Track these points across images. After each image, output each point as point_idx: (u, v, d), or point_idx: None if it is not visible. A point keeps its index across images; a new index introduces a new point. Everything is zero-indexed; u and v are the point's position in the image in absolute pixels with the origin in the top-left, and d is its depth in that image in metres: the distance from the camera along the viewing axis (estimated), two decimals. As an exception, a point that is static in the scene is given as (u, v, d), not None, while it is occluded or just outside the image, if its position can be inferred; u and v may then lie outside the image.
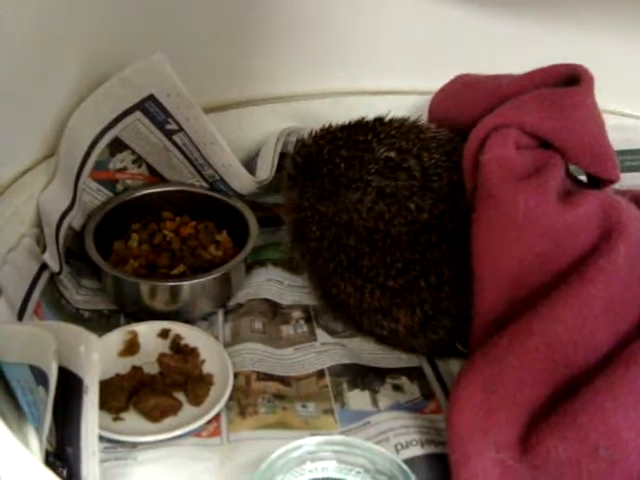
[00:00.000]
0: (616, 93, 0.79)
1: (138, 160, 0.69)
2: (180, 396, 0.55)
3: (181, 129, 0.66)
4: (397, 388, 0.58)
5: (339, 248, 0.59)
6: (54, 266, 0.61)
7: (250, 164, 0.72)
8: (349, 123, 0.63)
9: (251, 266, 0.69)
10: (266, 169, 0.69)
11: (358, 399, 0.56)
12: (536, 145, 0.56)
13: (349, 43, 0.78)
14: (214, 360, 0.58)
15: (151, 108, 0.65)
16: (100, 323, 0.63)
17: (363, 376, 0.59)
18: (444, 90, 0.69)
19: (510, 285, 0.52)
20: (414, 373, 0.59)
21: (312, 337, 0.62)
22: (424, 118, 0.66)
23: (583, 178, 0.60)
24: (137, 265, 0.64)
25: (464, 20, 0.77)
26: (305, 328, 0.63)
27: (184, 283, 0.62)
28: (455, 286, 0.56)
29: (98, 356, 0.43)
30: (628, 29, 0.77)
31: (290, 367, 0.59)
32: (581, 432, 0.46)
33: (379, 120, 0.62)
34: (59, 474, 0.43)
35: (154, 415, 0.53)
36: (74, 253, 0.66)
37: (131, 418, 0.54)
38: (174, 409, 0.54)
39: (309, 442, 0.48)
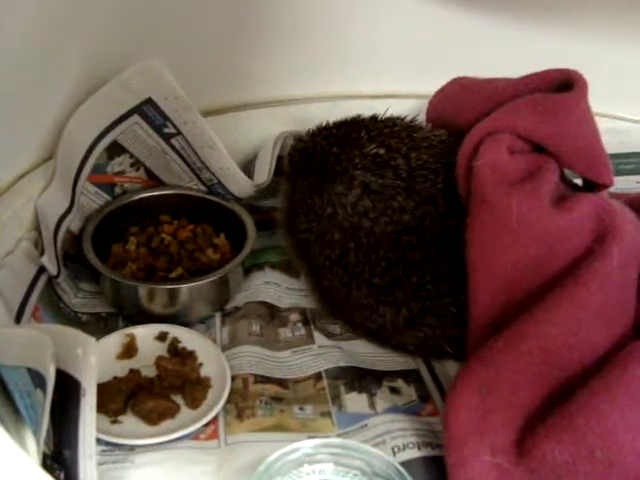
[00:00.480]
0: (610, 96, 0.79)
1: (136, 164, 0.69)
2: (178, 399, 0.55)
3: (179, 133, 0.66)
4: (394, 391, 0.58)
5: (325, 242, 0.60)
6: (52, 269, 0.61)
7: (248, 168, 0.73)
8: (345, 120, 0.63)
9: (249, 270, 0.69)
10: (264, 173, 0.69)
11: (355, 402, 0.56)
12: (530, 150, 0.57)
13: (347, 47, 0.78)
14: (212, 363, 0.58)
15: (149, 112, 0.65)
16: (98, 326, 0.63)
17: (360, 379, 0.59)
18: (441, 92, 0.69)
19: (505, 289, 0.52)
20: (411, 376, 0.59)
21: (310, 340, 0.62)
22: (422, 119, 0.66)
23: (579, 181, 0.60)
24: (135, 268, 0.65)
25: (462, 23, 0.78)
26: (303, 331, 0.64)
27: (182, 286, 0.62)
28: (436, 287, 0.57)
29: (96, 359, 0.43)
30: (622, 33, 0.77)
31: (288, 370, 0.59)
32: (577, 435, 0.46)
33: (374, 118, 0.63)
34: (56, 477, 0.43)
35: (152, 418, 0.53)
36: (72, 256, 0.66)
37: (129, 421, 0.54)
38: (172, 412, 0.54)
39: (306, 445, 0.48)
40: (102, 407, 0.53)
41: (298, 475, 0.48)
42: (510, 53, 0.77)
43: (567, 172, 0.59)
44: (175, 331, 0.60)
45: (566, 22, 0.77)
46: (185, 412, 0.54)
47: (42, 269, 0.62)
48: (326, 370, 0.59)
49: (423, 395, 0.57)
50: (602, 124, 0.81)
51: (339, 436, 0.53)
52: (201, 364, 0.58)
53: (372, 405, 0.56)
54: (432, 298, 0.57)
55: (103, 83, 0.64)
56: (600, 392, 0.47)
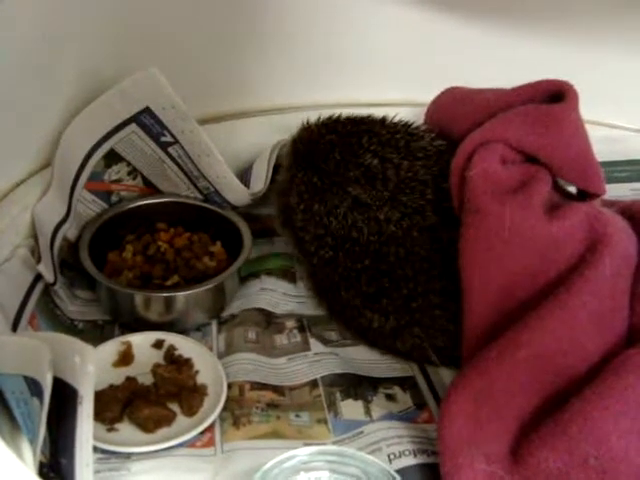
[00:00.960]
0: (606, 105, 0.80)
1: (133, 172, 0.70)
2: (174, 407, 0.55)
3: (176, 141, 0.66)
4: (390, 398, 0.58)
5: (319, 244, 0.61)
6: (49, 277, 0.61)
7: (244, 176, 0.73)
8: (355, 118, 0.64)
9: (245, 278, 0.69)
10: (260, 181, 0.70)
11: (351, 409, 0.57)
12: (522, 160, 0.57)
13: (343, 55, 0.79)
14: (208, 371, 0.58)
15: (147, 120, 0.65)
16: (94, 334, 0.63)
17: (356, 385, 0.59)
18: (436, 102, 0.70)
19: (498, 297, 0.53)
20: (407, 383, 0.60)
21: (305, 347, 0.63)
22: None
23: (573, 189, 0.61)
24: (131, 276, 0.65)
25: (458, 32, 0.78)
26: (299, 338, 0.64)
27: (178, 294, 0.62)
28: (427, 300, 0.57)
29: (94, 367, 0.43)
30: (617, 40, 0.78)
31: (284, 377, 0.60)
32: (571, 442, 0.46)
33: (382, 121, 0.63)
34: (53, 485, 0.43)
35: (148, 426, 0.53)
36: (68, 264, 0.67)
37: (125, 429, 0.54)
38: (168, 420, 0.54)
39: (302, 452, 0.49)
40: (98, 415, 0.53)
41: (294, 482, 0.49)
42: (505, 61, 0.78)
43: (561, 180, 0.60)
44: (171, 339, 0.61)
45: (560, 29, 0.78)
46: (181, 420, 0.55)
47: (39, 277, 0.62)
48: (322, 377, 0.59)
49: (419, 402, 0.58)
50: (597, 132, 0.81)
51: (335, 443, 0.54)
52: (197, 372, 0.58)
53: (368, 412, 0.56)
54: (422, 310, 0.57)
55: (101, 92, 0.65)
56: (593, 400, 0.47)
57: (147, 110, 0.65)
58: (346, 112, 0.79)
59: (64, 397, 0.44)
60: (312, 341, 0.63)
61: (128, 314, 0.63)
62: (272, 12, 0.75)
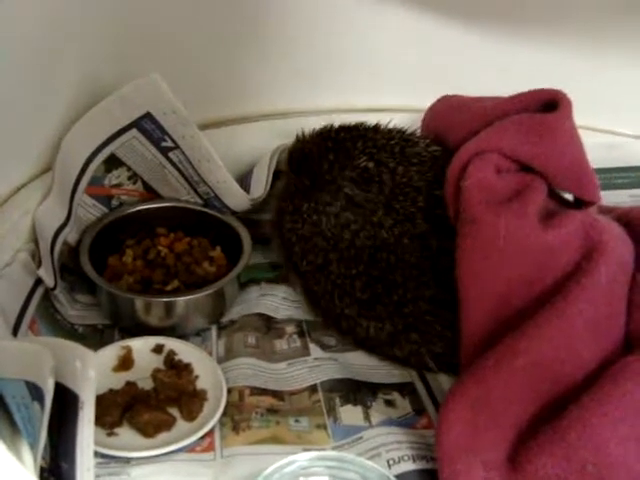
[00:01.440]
0: (605, 111, 0.81)
1: (133, 176, 0.70)
2: (174, 411, 0.55)
3: (177, 146, 0.67)
4: (389, 403, 0.58)
5: (308, 248, 0.61)
6: (49, 281, 0.61)
7: (244, 181, 0.73)
8: (348, 126, 0.65)
9: (245, 284, 0.69)
10: (260, 186, 0.70)
11: (351, 414, 0.57)
12: (517, 169, 0.58)
13: (343, 61, 0.79)
14: (208, 376, 0.58)
15: (147, 126, 0.65)
16: (94, 338, 0.63)
17: (355, 391, 0.59)
18: (432, 110, 0.71)
19: (495, 306, 0.53)
20: (406, 388, 0.60)
21: (305, 352, 0.63)
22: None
23: (569, 196, 0.61)
24: (132, 281, 0.65)
25: (456, 38, 0.79)
26: (298, 343, 0.64)
27: (178, 299, 0.62)
28: (416, 307, 0.58)
29: (94, 372, 0.43)
30: (617, 48, 0.78)
31: (283, 382, 0.60)
32: (569, 449, 0.46)
33: (376, 128, 0.64)
34: (54, 490, 0.44)
35: (148, 430, 0.53)
36: (69, 268, 0.67)
37: (125, 433, 0.54)
38: (168, 424, 0.54)
39: (302, 457, 0.49)
40: (98, 419, 0.53)
41: (294, 488, 0.49)
42: (504, 67, 0.78)
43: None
44: (171, 344, 0.61)
45: (560, 36, 0.78)
46: (181, 425, 0.55)
47: (39, 281, 0.62)
48: (321, 382, 0.60)
49: (418, 408, 0.58)
50: (596, 138, 0.82)
51: (334, 448, 0.54)
52: (197, 377, 0.58)
53: (367, 418, 0.57)
54: (415, 316, 0.58)
55: (101, 97, 0.65)
56: (592, 407, 0.48)
57: (148, 115, 0.65)
58: (346, 117, 0.80)
59: (65, 402, 0.44)
60: (312, 346, 0.64)
61: (128, 319, 0.63)
62: (273, 17, 0.75)
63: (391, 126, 0.65)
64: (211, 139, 0.68)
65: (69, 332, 0.63)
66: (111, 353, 0.60)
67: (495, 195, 0.55)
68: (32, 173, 0.65)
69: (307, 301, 0.65)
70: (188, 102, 0.65)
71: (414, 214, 0.59)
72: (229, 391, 0.57)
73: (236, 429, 0.55)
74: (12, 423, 0.49)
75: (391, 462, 0.52)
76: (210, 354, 0.61)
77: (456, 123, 0.64)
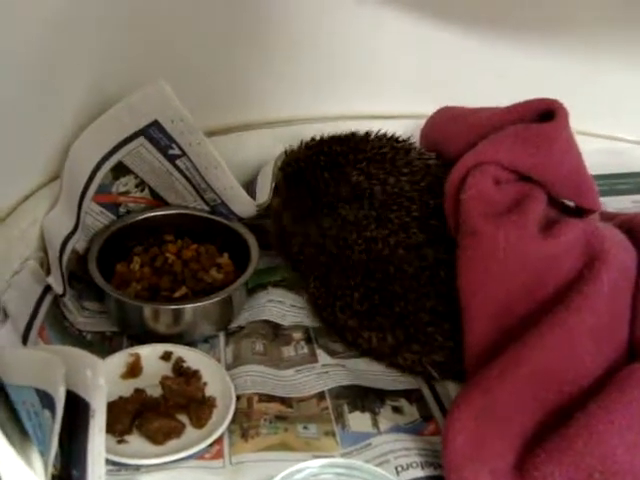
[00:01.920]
0: (606, 117, 0.81)
1: (141, 184, 0.70)
2: (183, 419, 0.56)
3: (184, 154, 0.67)
4: (397, 410, 0.58)
5: (314, 264, 0.62)
6: (58, 289, 0.61)
7: (249, 187, 0.73)
8: (339, 136, 0.65)
9: (252, 289, 0.70)
10: (265, 193, 0.70)
11: (359, 421, 0.57)
12: (516, 179, 0.58)
13: (346, 68, 0.80)
14: (216, 383, 0.58)
15: (155, 134, 0.66)
16: (103, 345, 0.64)
17: (363, 398, 0.59)
18: (430, 122, 0.71)
19: (497, 316, 0.53)
20: (413, 395, 0.60)
21: (313, 358, 0.63)
22: (415, 139, 0.68)
23: (571, 203, 0.61)
24: (139, 288, 0.65)
25: (456, 44, 0.79)
26: (306, 349, 0.64)
27: (186, 306, 0.62)
28: (417, 318, 0.58)
29: (105, 380, 0.43)
30: (620, 54, 0.79)
31: (291, 388, 0.60)
32: (577, 457, 0.47)
33: (365, 138, 0.64)
34: (65, 497, 0.44)
35: (157, 438, 0.54)
36: (77, 275, 0.67)
37: (135, 441, 0.54)
38: (177, 432, 0.54)
39: (312, 465, 0.49)
40: (108, 427, 0.52)
41: (303, 495, 0.49)
42: (504, 73, 0.79)
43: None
44: (179, 351, 0.61)
45: (560, 42, 0.79)
46: (190, 432, 0.55)
47: (48, 288, 0.62)
48: (329, 389, 0.60)
49: (425, 414, 0.58)
50: (598, 144, 0.83)
51: (343, 455, 0.54)
52: (205, 383, 0.58)
53: (375, 424, 0.57)
54: (416, 327, 0.58)
55: (109, 105, 0.65)
56: (598, 414, 0.48)
57: (155, 123, 0.65)
58: (351, 124, 0.80)
59: (76, 410, 0.44)
60: (319, 352, 0.64)
61: (136, 326, 0.63)
62: (276, 25, 0.75)
63: (383, 134, 0.65)
64: (216, 146, 0.68)
65: (77, 339, 0.64)
66: (119, 360, 0.60)
67: (494, 207, 0.55)
68: (40, 181, 0.65)
69: (314, 312, 0.66)
70: (193, 109, 0.66)
71: (408, 224, 0.59)
72: (237, 398, 0.57)
73: (245, 436, 0.55)
74: (22, 430, 0.49)
75: (399, 469, 0.52)
76: (218, 361, 0.61)
77: (453, 135, 0.65)
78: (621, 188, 0.83)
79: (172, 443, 0.54)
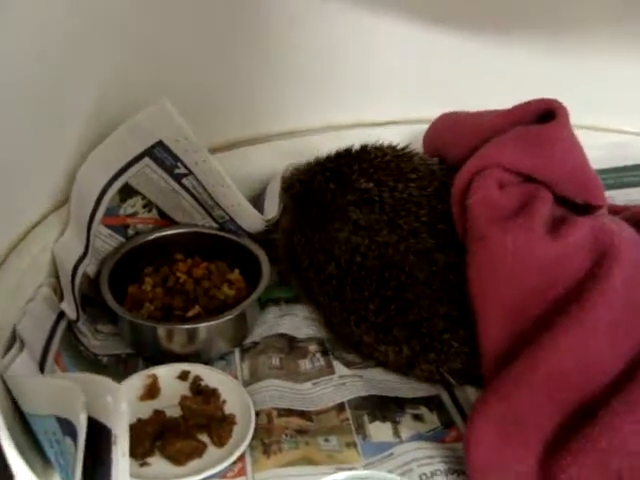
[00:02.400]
0: (613, 111, 0.81)
1: (148, 205, 0.70)
2: (204, 438, 0.56)
3: (190, 173, 0.67)
4: (417, 418, 0.58)
5: (324, 278, 0.61)
6: (71, 314, 0.61)
7: (257, 202, 0.73)
8: (338, 152, 0.66)
9: (264, 304, 0.70)
10: (273, 207, 0.70)
11: (380, 431, 0.57)
12: (520, 181, 0.58)
13: (348, 78, 0.80)
14: (235, 400, 0.58)
15: (160, 154, 0.66)
16: (118, 368, 0.64)
17: (383, 407, 0.59)
18: (432, 128, 0.71)
19: (510, 320, 0.53)
20: (432, 402, 0.60)
21: (330, 370, 0.63)
22: (415, 146, 0.68)
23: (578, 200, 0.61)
24: (152, 308, 0.65)
25: (456, 48, 0.79)
26: (322, 362, 0.64)
27: (201, 325, 0.62)
28: (432, 325, 0.58)
29: (126, 406, 0.43)
30: (625, 47, 0.79)
31: (310, 402, 0.60)
32: (602, 457, 0.47)
33: (364, 149, 0.64)
34: (91, 525, 0.44)
35: (180, 458, 0.53)
36: (89, 299, 0.67)
37: (157, 463, 0.54)
38: (199, 452, 0.54)
39: (337, 478, 0.49)
40: (129, 450, 0.53)
41: (331, 508, 0.49)
42: (508, 74, 0.79)
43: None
44: (196, 369, 0.61)
45: (566, 37, 0.79)
46: (212, 451, 0.55)
47: (62, 314, 0.62)
48: (348, 400, 0.60)
49: (446, 421, 0.58)
50: (605, 138, 0.83)
51: (366, 466, 0.54)
52: (224, 401, 0.58)
53: (397, 433, 0.57)
54: (431, 335, 0.58)
55: (113, 127, 0.65)
56: (622, 412, 0.48)
57: (160, 143, 0.65)
58: (354, 132, 0.81)
59: (98, 436, 0.44)
60: (335, 364, 0.64)
61: (151, 347, 0.63)
62: (277, 39, 0.76)
63: (380, 144, 0.66)
64: (220, 162, 0.69)
65: (93, 363, 0.64)
66: (137, 382, 0.60)
67: (500, 211, 0.55)
68: (49, 207, 0.65)
69: (327, 330, 0.66)
70: (196, 127, 0.66)
71: (418, 229, 0.59)
72: (257, 414, 0.57)
73: (267, 452, 0.55)
74: (44, 458, 0.49)
75: (423, 477, 0.52)
76: (235, 377, 0.61)
77: (456, 140, 0.65)
78: (628, 181, 0.83)
79: (194, 463, 0.54)
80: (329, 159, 0.66)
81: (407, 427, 0.57)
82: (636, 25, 0.77)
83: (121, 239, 0.70)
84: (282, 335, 0.66)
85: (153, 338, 0.63)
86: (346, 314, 0.60)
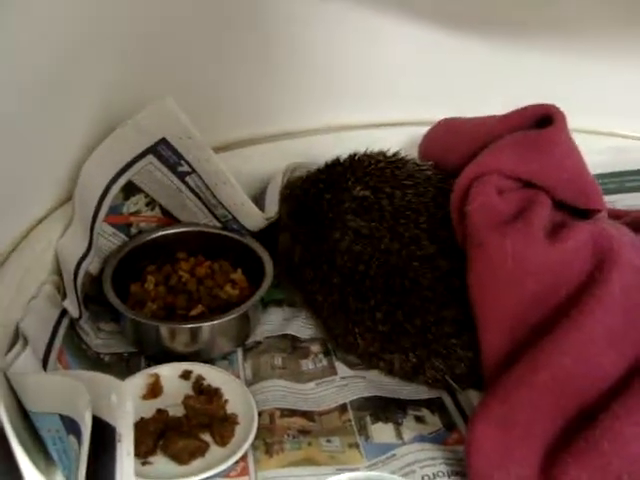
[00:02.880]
0: (616, 115, 0.81)
1: (151, 203, 0.70)
2: (206, 437, 0.56)
3: (193, 171, 0.67)
4: (419, 419, 0.58)
5: (327, 289, 0.61)
6: (74, 312, 0.61)
7: (259, 202, 0.73)
8: (326, 164, 0.65)
9: (267, 304, 0.70)
10: (274, 205, 0.70)
11: (382, 432, 0.57)
12: (519, 186, 0.58)
13: (349, 79, 0.80)
14: (237, 400, 0.58)
15: (163, 151, 0.66)
16: (120, 366, 0.64)
17: (385, 408, 0.59)
18: (428, 135, 0.71)
19: (511, 325, 0.53)
20: (434, 404, 0.60)
21: (332, 371, 0.63)
22: (406, 152, 0.67)
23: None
24: (155, 307, 0.65)
25: (458, 49, 0.79)
26: (325, 362, 0.64)
27: (203, 325, 0.62)
28: (441, 330, 0.57)
29: (131, 405, 0.43)
30: (627, 51, 0.79)
31: (312, 402, 0.60)
32: (603, 460, 0.47)
33: (353, 157, 0.64)
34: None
35: (182, 457, 0.53)
36: (91, 297, 0.67)
37: (159, 462, 0.54)
38: (201, 451, 0.54)
39: (340, 479, 0.49)
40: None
41: (333, 510, 0.49)
42: (509, 77, 0.79)
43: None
44: (199, 369, 0.61)
45: (568, 41, 0.79)
46: (214, 450, 0.55)
47: (64, 312, 0.62)
48: (351, 401, 0.60)
49: (448, 423, 0.58)
50: (607, 143, 0.83)
51: (368, 467, 0.54)
52: (227, 401, 0.58)
53: (399, 435, 0.57)
54: (437, 340, 0.57)
55: (115, 124, 0.65)
56: (623, 416, 0.48)
57: (164, 141, 0.65)
58: (354, 134, 0.81)
59: (102, 435, 0.44)
60: (338, 364, 0.64)
61: (153, 346, 0.63)
62: (278, 40, 0.76)
63: (370, 151, 0.65)
64: (225, 161, 0.68)
65: (95, 361, 0.64)
66: (139, 381, 0.60)
67: (499, 216, 0.55)
68: (52, 205, 0.65)
69: (332, 344, 0.65)
70: (197, 126, 0.66)
71: (419, 236, 0.59)
72: (259, 414, 0.57)
73: (269, 452, 0.55)
74: (47, 456, 0.49)
75: (426, 479, 0.52)
76: (238, 377, 0.61)
77: (453, 147, 0.65)
78: (630, 185, 0.83)
79: (197, 462, 0.54)
80: (320, 171, 0.65)
81: (409, 428, 0.57)
82: (638, 29, 0.77)
83: (124, 237, 0.70)
84: (285, 335, 0.66)
85: (156, 337, 0.63)
86: (351, 325, 0.60)
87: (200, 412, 0.56)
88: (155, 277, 0.68)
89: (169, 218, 0.72)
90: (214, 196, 0.69)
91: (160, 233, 0.71)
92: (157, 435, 0.55)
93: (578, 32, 0.79)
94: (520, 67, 0.79)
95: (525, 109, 0.62)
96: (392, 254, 0.58)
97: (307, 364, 0.64)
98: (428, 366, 0.58)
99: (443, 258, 0.58)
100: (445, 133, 0.69)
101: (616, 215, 0.66)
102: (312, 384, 0.62)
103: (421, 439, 0.56)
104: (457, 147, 0.64)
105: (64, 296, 0.62)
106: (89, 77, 0.65)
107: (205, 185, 0.68)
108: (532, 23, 0.79)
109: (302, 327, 0.68)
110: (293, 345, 0.66)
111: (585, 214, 0.60)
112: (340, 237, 0.60)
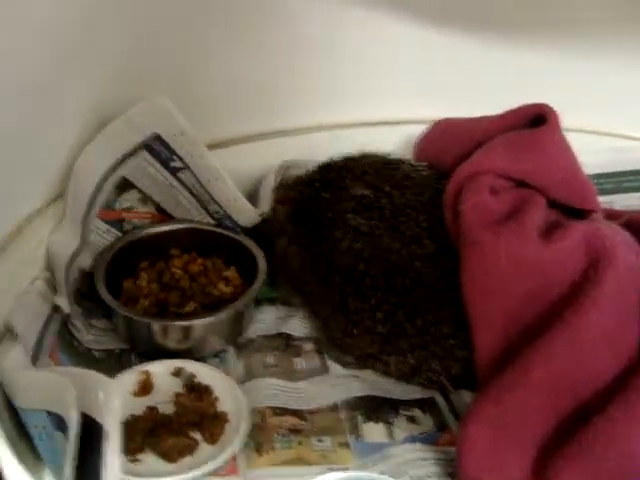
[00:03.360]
0: (614, 115, 0.81)
1: (145, 199, 0.70)
2: (196, 435, 0.55)
3: (186, 167, 0.67)
4: (411, 420, 0.58)
5: (326, 290, 0.61)
6: (66, 308, 0.61)
7: (252, 198, 0.73)
8: (320, 165, 0.65)
9: (260, 301, 0.69)
10: (267, 202, 0.70)
11: (373, 431, 0.57)
12: (513, 186, 0.58)
13: (343, 77, 0.79)
14: (228, 397, 0.58)
15: (157, 147, 0.66)
16: (111, 363, 0.63)
17: (377, 408, 0.59)
18: (425, 137, 0.71)
19: (504, 325, 0.53)
20: (426, 404, 0.60)
21: (324, 369, 0.63)
22: (399, 152, 0.67)
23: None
24: (147, 304, 0.65)
25: (456, 48, 0.79)
26: (317, 360, 0.64)
27: (196, 322, 0.62)
28: (440, 330, 0.57)
29: (118, 402, 0.43)
30: (627, 52, 0.78)
31: (304, 401, 0.59)
32: (597, 462, 0.47)
33: (348, 158, 0.64)
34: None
35: (171, 455, 0.53)
36: (84, 293, 0.66)
37: (148, 459, 0.54)
38: (191, 449, 0.54)
39: (330, 478, 0.49)
40: (121, 446, 0.53)
41: (322, 509, 0.48)
42: (507, 76, 0.78)
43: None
44: (190, 366, 0.61)
45: (569, 40, 0.78)
46: (204, 448, 0.54)
47: (56, 308, 0.62)
48: (342, 400, 0.59)
49: (440, 424, 0.58)
50: (606, 142, 0.82)
51: (358, 467, 0.54)
52: (217, 398, 0.58)
53: (390, 434, 0.57)
54: (436, 341, 0.57)
55: (108, 121, 0.65)
56: (617, 418, 0.48)
57: (157, 137, 0.65)
58: (349, 132, 0.80)
59: (89, 432, 0.44)
60: (330, 363, 0.63)
61: (145, 342, 0.63)
62: (274, 37, 0.75)
63: (363, 150, 0.65)
64: (218, 158, 0.68)
65: (87, 358, 0.63)
66: (130, 378, 0.59)
67: (492, 216, 0.55)
68: (45, 200, 0.65)
69: (328, 344, 0.65)
70: (194, 123, 0.66)
71: (419, 234, 0.58)
72: (251, 412, 0.57)
73: (259, 451, 0.54)
74: (33, 451, 0.49)
75: (416, 479, 0.52)
76: (229, 375, 0.61)
77: (448, 147, 0.65)
78: (628, 186, 0.82)
79: (186, 460, 0.53)
80: (314, 172, 0.65)
81: (401, 428, 0.57)
82: (636, 29, 0.77)
83: (117, 233, 0.69)
84: (278, 333, 0.66)
85: (147, 334, 0.62)
86: (350, 327, 0.60)
87: (190, 410, 0.56)
88: (148, 274, 0.68)
89: (162, 214, 0.71)
90: (207, 192, 0.68)
91: (153, 229, 0.70)
92: (146, 432, 0.55)
93: (577, 32, 0.78)
94: (518, 67, 0.79)
95: (519, 109, 0.62)
96: (393, 253, 0.58)
97: (300, 362, 0.64)
98: (425, 368, 0.58)
99: (444, 256, 0.57)
100: (441, 133, 0.69)
101: (612, 216, 0.65)
102: (304, 382, 0.61)
103: (412, 439, 0.56)
104: (452, 148, 0.64)
105: (56, 292, 0.61)
106: (81, 75, 0.64)
107: (198, 181, 0.68)
108: (530, 23, 0.78)
109: (295, 325, 0.67)
110: (286, 343, 0.65)
111: (580, 214, 0.60)
112: (341, 236, 0.60)
